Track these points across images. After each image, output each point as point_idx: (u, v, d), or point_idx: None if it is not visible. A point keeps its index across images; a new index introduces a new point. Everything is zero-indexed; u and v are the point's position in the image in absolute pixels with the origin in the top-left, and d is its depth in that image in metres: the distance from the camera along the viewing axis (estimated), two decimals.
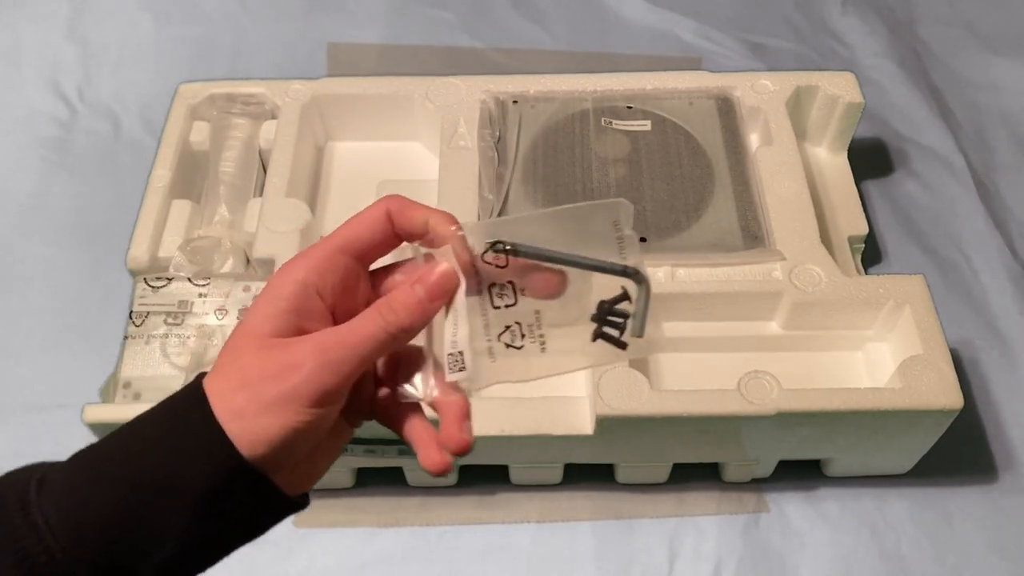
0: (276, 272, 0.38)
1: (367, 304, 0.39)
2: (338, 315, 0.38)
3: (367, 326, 0.36)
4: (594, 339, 0.38)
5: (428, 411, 0.40)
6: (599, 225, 0.38)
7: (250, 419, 0.35)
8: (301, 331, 0.36)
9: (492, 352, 0.38)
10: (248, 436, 0.35)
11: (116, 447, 0.36)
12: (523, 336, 0.38)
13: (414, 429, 0.39)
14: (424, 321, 0.37)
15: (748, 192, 0.76)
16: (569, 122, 0.82)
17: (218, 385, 0.36)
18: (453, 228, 0.38)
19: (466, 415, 0.38)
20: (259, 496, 0.36)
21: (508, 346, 0.38)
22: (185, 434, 0.35)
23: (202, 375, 0.37)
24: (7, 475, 0.36)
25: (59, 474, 0.35)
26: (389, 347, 0.37)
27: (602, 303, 0.38)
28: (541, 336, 0.38)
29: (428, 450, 0.38)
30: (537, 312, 0.38)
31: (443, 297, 0.37)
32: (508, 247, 0.37)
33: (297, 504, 0.38)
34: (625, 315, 0.38)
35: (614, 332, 0.38)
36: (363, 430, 0.41)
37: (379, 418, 0.40)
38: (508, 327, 0.38)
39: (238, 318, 0.68)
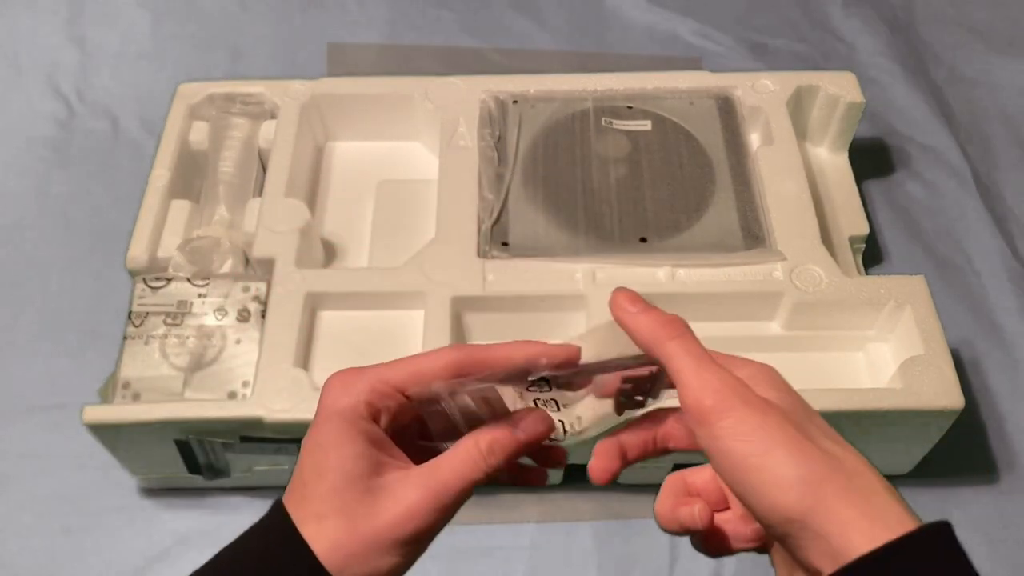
0: (331, 394, 0.38)
1: (409, 425, 0.40)
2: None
3: (469, 469, 0.37)
4: (619, 412, 0.41)
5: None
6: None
7: (366, 563, 0.36)
8: (380, 461, 0.37)
9: None
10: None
11: None
12: (558, 410, 0.40)
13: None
14: (518, 459, 0.39)
15: (749, 192, 0.76)
16: (569, 122, 0.81)
17: (321, 530, 0.36)
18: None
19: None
20: None
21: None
22: None
23: (285, 513, 0.37)
24: None
25: None
26: (483, 483, 0.38)
27: (624, 379, 0.40)
28: (576, 415, 0.41)
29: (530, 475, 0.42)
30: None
31: (539, 442, 0.39)
32: (545, 377, 0.39)
33: None
34: (643, 386, 0.40)
35: (637, 399, 0.41)
36: None
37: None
38: (545, 403, 0.40)
39: (237, 319, 0.68)
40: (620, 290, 0.38)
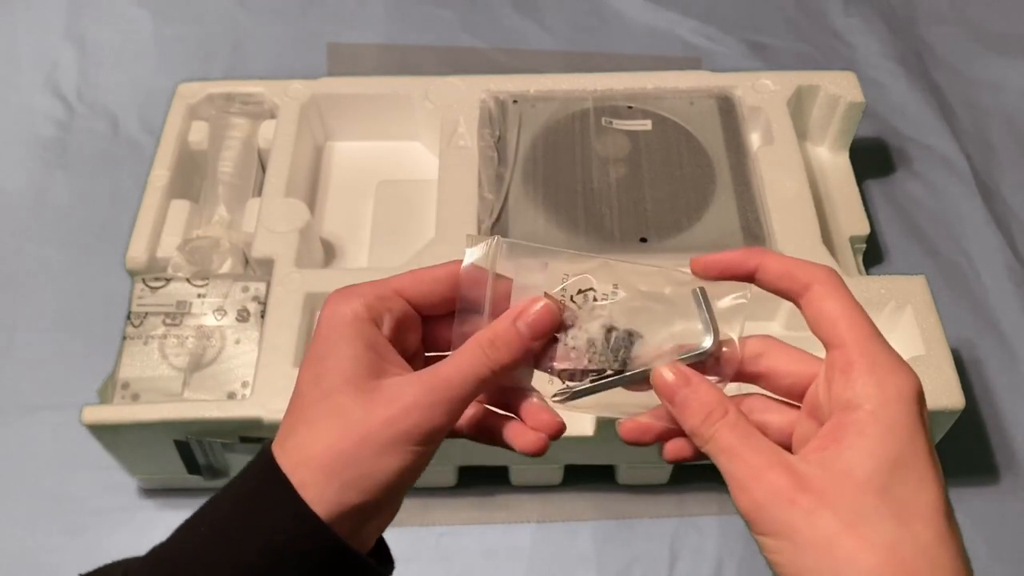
0: (329, 305, 0.37)
1: (416, 348, 0.39)
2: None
3: (471, 365, 0.36)
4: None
5: None
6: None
7: (360, 464, 0.34)
8: (379, 365, 0.36)
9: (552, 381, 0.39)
10: (356, 484, 0.34)
11: (198, 545, 0.35)
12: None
13: (507, 429, 0.39)
14: (526, 358, 0.37)
15: (749, 192, 0.76)
16: (569, 122, 0.81)
17: (312, 433, 0.35)
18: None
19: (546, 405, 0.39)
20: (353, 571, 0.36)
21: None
22: (272, 529, 0.34)
23: (269, 442, 0.36)
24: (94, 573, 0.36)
25: (143, 562, 0.35)
26: (492, 384, 0.37)
27: None
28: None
29: (522, 436, 0.39)
30: None
31: (545, 334, 0.37)
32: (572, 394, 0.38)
33: (385, 571, 0.38)
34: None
35: None
36: None
37: (478, 437, 0.41)
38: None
39: (237, 319, 0.68)
40: (665, 369, 0.36)
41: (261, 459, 0.35)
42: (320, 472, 0.34)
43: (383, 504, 0.35)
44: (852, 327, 0.35)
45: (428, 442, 0.35)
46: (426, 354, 0.40)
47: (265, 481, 0.35)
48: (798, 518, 0.32)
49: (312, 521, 0.34)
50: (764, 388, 0.39)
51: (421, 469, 0.36)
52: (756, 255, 0.37)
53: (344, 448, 0.34)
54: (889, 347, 0.34)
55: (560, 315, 0.37)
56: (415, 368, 0.38)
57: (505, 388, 0.39)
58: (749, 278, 0.37)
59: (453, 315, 0.39)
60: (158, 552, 0.35)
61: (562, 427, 0.38)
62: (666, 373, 0.36)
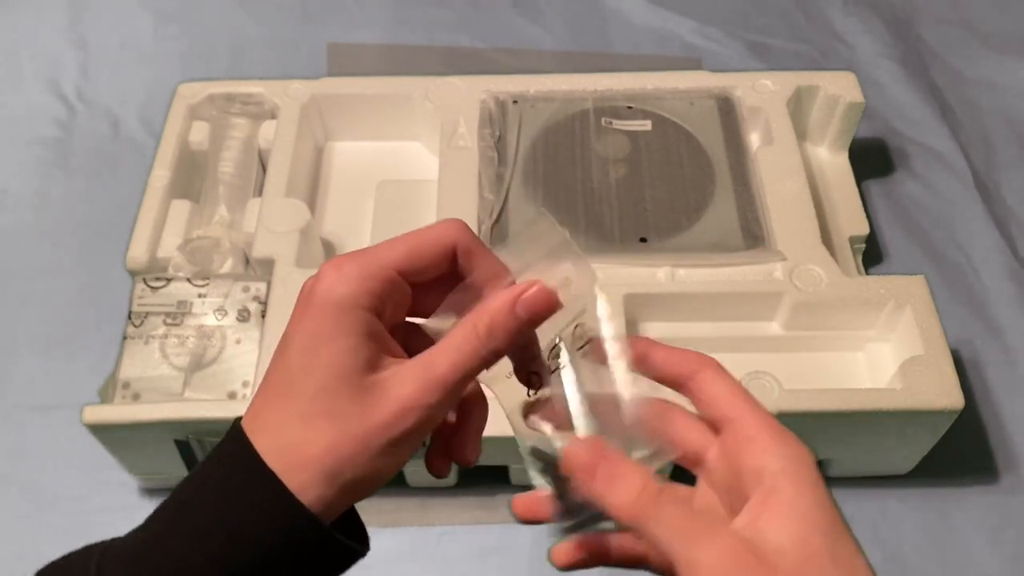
0: (325, 283, 0.34)
1: (401, 319, 0.38)
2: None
3: (467, 357, 0.34)
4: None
5: None
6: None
7: (358, 465, 0.33)
8: (375, 355, 0.34)
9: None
10: (354, 486, 0.34)
11: (185, 545, 0.33)
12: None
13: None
14: (520, 342, 0.35)
15: (749, 192, 0.76)
16: (569, 122, 0.81)
17: (308, 431, 0.33)
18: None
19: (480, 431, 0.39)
20: (332, 555, 0.35)
21: None
22: (268, 530, 0.33)
23: (241, 430, 0.34)
24: (69, 555, 0.36)
25: (120, 548, 0.34)
26: (478, 372, 0.35)
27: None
28: None
29: (433, 460, 0.39)
30: None
31: (541, 321, 0.35)
32: None
33: (363, 551, 0.37)
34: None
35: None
36: None
37: None
38: None
39: (237, 319, 0.68)
40: (579, 444, 0.35)
41: (245, 455, 0.34)
42: (321, 476, 0.33)
43: (367, 495, 0.35)
44: (746, 402, 0.36)
45: (422, 436, 0.34)
46: (406, 319, 0.38)
47: (252, 477, 0.33)
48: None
49: (308, 518, 0.33)
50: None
51: (408, 459, 0.36)
52: (640, 344, 0.37)
53: (344, 453, 0.33)
54: (775, 419, 0.36)
55: (556, 302, 0.34)
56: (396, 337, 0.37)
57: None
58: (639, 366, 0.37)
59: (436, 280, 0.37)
60: (136, 548, 0.34)
61: (473, 464, 0.39)
62: (579, 448, 0.35)
